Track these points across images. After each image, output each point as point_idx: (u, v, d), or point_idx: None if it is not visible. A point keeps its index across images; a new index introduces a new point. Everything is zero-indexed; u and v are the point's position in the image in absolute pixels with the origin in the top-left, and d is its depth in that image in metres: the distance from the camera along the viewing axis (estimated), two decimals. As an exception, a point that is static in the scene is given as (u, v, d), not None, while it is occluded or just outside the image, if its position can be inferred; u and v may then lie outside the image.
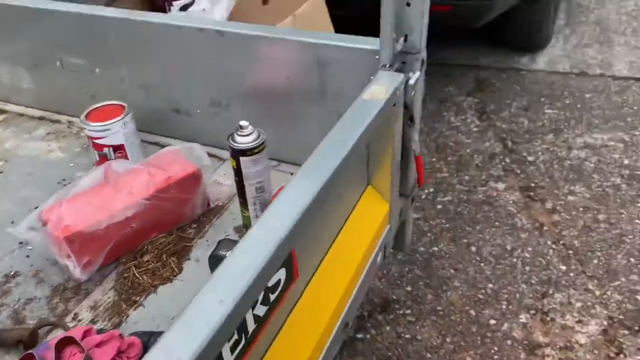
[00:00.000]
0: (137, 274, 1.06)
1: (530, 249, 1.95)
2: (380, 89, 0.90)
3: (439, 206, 2.19)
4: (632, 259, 1.87)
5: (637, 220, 2.01)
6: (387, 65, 0.97)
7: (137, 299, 1.02)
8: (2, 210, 1.27)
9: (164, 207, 1.10)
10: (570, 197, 2.14)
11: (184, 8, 1.59)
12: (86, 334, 0.89)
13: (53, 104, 1.63)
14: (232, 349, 0.64)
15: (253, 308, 0.69)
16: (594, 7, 3.48)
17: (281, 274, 0.74)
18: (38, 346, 0.90)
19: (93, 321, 0.99)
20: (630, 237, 1.95)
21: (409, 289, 1.85)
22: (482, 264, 1.91)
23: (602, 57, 2.97)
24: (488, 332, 1.68)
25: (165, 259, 1.09)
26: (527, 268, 1.88)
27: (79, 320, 1.00)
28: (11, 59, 1.60)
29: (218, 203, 1.23)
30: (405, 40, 0.99)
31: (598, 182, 2.20)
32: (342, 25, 1.80)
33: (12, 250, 1.16)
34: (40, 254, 1.13)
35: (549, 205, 2.12)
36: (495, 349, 1.62)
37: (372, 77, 0.95)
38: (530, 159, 2.36)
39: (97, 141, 1.32)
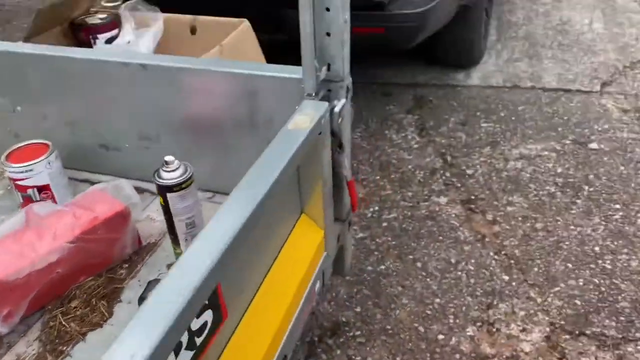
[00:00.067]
0: (63, 322, 1.01)
1: (473, 261, 1.99)
2: (305, 118, 0.90)
3: (385, 224, 2.21)
4: (569, 265, 1.93)
5: (572, 227, 2.09)
6: (312, 94, 0.98)
7: (64, 348, 0.97)
8: None
9: (91, 249, 1.06)
10: (509, 208, 2.21)
11: (109, 41, 1.55)
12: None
13: (-26, 145, 1.55)
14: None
15: (177, 354, 0.66)
16: (522, 23, 3.65)
17: (207, 316, 0.71)
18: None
19: (16, 377, 0.93)
20: (567, 243, 2.02)
21: (358, 309, 1.84)
22: (428, 279, 1.93)
23: (532, 71, 3.11)
24: (437, 348, 1.69)
25: (94, 303, 1.04)
26: (472, 280, 1.91)
27: (1, 377, 0.94)
28: None
29: (150, 240, 1.20)
30: (329, 69, 1.00)
31: (534, 191, 2.28)
32: (284, 50, 1.81)
33: None
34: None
35: (489, 216, 2.18)
36: (445, 364, 1.64)
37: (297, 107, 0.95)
38: (470, 172, 2.43)
39: (20, 182, 1.25)
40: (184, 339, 0.67)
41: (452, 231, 2.13)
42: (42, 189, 1.26)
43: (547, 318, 1.75)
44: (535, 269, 1.93)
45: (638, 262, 1.91)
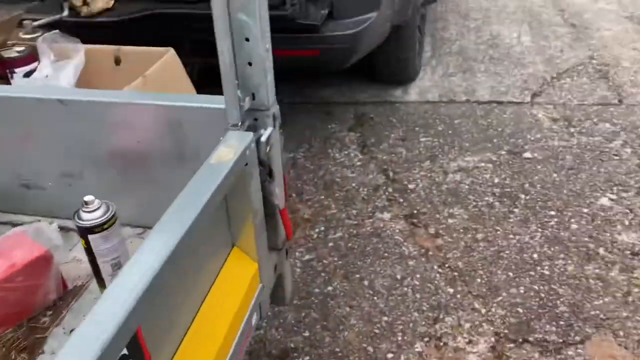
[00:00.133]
0: (-20, 380, 0.94)
1: (418, 275, 2.01)
2: (228, 150, 0.88)
3: (331, 244, 2.20)
4: (510, 273, 1.98)
5: (511, 236, 2.15)
6: (237, 125, 0.96)
7: (-19, 410, 0.90)
8: None
9: (9, 299, 0.99)
10: (450, 220, 2.25)
11: (28, 75, 1.48)
12: None
13: None
14: None
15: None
16: (455, 38, 3.78)
17: (127, 364, 0.68)
18: None
19: None
20: (507, 252, 2.07)
21: (306, 334, 1.82)
22: (375, 298, 1.93)
23: (467, 85, 3.21)
24: (386, 367, 1.69)
25: (14, 357, 0.97)
26: (418, 295, 1.93)
27: None
28: None
29: (77, 283, 1.14)
30: (254, 98, 0.98)
31: (474, 202, 2.34)
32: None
33: None
34: None
35: (432, 230, 2.22)
36: (394, 383, 1.63)
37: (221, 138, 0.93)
38: (411, 186, 2.47)
39: None
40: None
41: (396, 247, 2.15)
42: (-43, 235, 1.18)
43: (491, 328, 1.79)
44: (479, 280, 1.97)
45: (574, 266, 1.98)
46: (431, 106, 3.06)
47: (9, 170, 1.27)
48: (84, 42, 1.75)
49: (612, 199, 2.27)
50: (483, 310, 1.85)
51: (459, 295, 1.91)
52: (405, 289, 1.96)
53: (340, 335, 1.80)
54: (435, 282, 1.98)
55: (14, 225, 1.30)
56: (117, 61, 1.57)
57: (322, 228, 2.28)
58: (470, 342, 1.75)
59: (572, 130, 2.72)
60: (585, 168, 2.45)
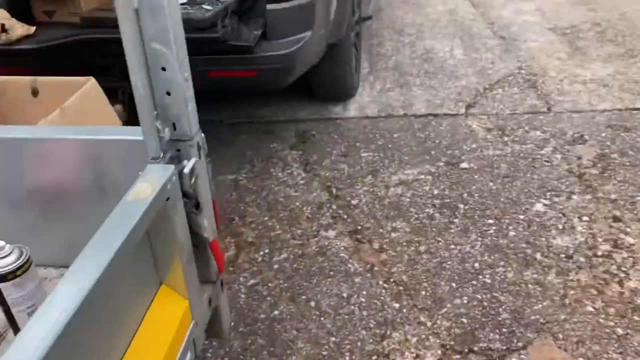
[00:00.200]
0: None
1: (364, 292, 2.01)
2: (146, 186, 0.84)
3: (276, 266, 2.17)
4: (453, 284, 2.01)
5: (452, 246, 2.18)
6: (157, 157, 0.92)
7: None
8: None
9: None
10: (393, 234, 2.27)
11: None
12: None
13: None
14: None
15: None
16: (391, 54, 3.86)
17: None
18: None
19: None
20: (449, 262, 2.11)
21: (253, 362, 1.77)
22: (322, 318, 1.91)
23: (404, 99, 3.28)
24: (336, 390, 1.67)
25: None
26: (365, 313, 1.92)
27: None
28: None
29: (-6, 333, 1.06)
30: (175, 128, 0.95)
31: (415, 215, 2.37)
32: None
33: None
34: None
35: (376, 245, 2.23)
36: (344, 406, 1.61)
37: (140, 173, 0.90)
38: (354, 202, 2.47)
39: None
40: None
41: (342, 264, 2.15)
42: None
43: (438, 341, 1.80)
44: (423, 293, 1.99)
45: (513, 273, 2.03)
46: (371, 121, 3.10)
47: None
48: (4, 71, 1.66)
49: (545, 205, 2.35)
50: (429, 323, 1.86)
51: (404, 310, 1.92)
52: (352, 307, 1.95)
53: (288, 360, 1.77)
54: (381, 297, 1.98)
55: None
56: (35, 92, 1.50)
57: (267, 250, 2.25)
58: (417, 356, 1.75)
59: (505, 139, 2.82)
60: (519, 175, 2.54)
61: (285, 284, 2.07)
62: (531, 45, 3.75)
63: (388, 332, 1.84)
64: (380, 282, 2.04)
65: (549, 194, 2.41)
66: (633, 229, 2.18)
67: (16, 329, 0.94)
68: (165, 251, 0.93)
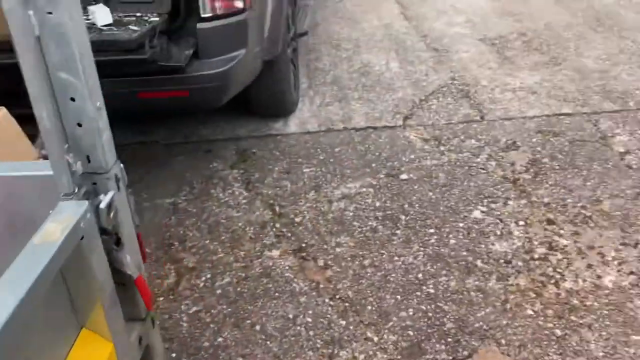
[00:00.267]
0: None
1: (311, 311, 1.98)
2: (55, 226, 0.78)
3: (219, 291, 2.10)
4: (398, 297, 2.02)
5: (396, 258, 2.19)
6: (70, 193, 0.86)
7: None
8: None
9: None
10: (338, 249, 2.26)
11: None
12: None
13: None
14: None
15: None
16: (329, 68, 3.88)
17: None
18: None
19: None
20: (394, 275, 2.11)
21: (198, 394, 1.70)
22: (268, 342, 1.87)
23: (343, 113, 3.30)
24: (284, 416, 1.62)
25: None
26: (311, 333, 1.89)
27: None
28: None
29: None
30: (89, 161, 0.89)
31: (358, 228, 2.37)
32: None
33: None
34: None
35: (320, 262, 2.20)
36: None
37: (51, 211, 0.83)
38: (298, 219, 2.45)
39: None
40: None
41: (287, 284, 2.11)
42: None
43: (385, 356, 1.79)
44: (369, 308, 1.98)
45: (455, 281, 2.06)
46: (312, 136, 3.09)
47: None
48: None
49: (483, 211, 2.41)
50: (376, 339, 1.85)
51: (351, 327, 1.91)
52: (299, 327, 1.92)
53: (234, 390, 1.71)
54: (328, 316, 1.95)
55: None
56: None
57: (209, 275, 2.18)
58: (366, 374, 1.74)
59: (442, 148, 2.88)
60: (457, 184, 2.59)
61: (229, 309, 2.01)
62: (463, 56, 3.87)
63: (335, 351, 1.82)
64: (326, 300, 2.02)
65: (486, 200, 2.47)
66: (566, 230, 2.27)
67: None
68: (83, 293, 0.87)
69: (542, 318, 1.88)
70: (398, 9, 4.97)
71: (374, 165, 2.79)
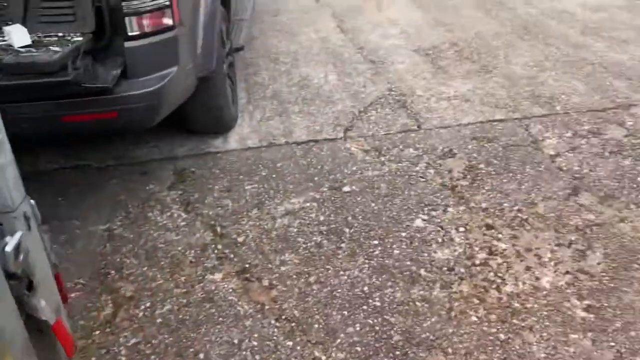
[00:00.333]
0: None
1: (256, 335, 1.92)
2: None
3: (159, 320, 2.01)
4: (345, 312, 1.99)
5: (341, 272, 2.17)
6: (-30, 236, 0.78)
7: None
8: None
9: None
10: (282, 268, 2.21)
11: None
12: None
13: None
14: None
15: None
16: (268, 83, 3.85)
17: None
18: None
19: None
20: (340, 290, 2.09)
21: None
22: (213, 371, 1.79)
23: (284, 127, 3.27)
24: None
25: None
26: (257, 357, 1.84)
27: None
28: None
29: None
30: (-7, 198, 0.81)
31: (303, 244, 2.33)
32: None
33: None
34: None
35: (265, 282, 2.15)
36: None
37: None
38: (240, 239, 2.39)
39: None
40: None
41: (231, 308, 2.04)
42: None
43: (334, 375, 1.76)
44: (316, 326, 1.94)
45: (401, 292, 2.06)
46: (253, 152, 3.04)
47: None
48: None
49: (424, 220, 2.44)
50: (324, 358, 1.82)
51: (298, 347, 1.86)
52: (244, 352, 1.86)
53: None
54: (274, 338, 1.90)
55: None
56: None
57: (148, 304, 2.08)
58: (315, 395, 1.70)
59: (382, 159, 2.90)
60: (398, 193, 2.62)
61: (171, 338, 1.93)
62: (398, 67, 3.94)
63: (283, 374, 1.77)
64: (272, 321, 1.97)
65: (426, 208, 2.50)
66: (504, 234, 2.32)
67: None
68: (-9, 346, 0.79)
69: (486, 323, 1.90)
70: (334, 22, 5.02)
71: (316, 179, 2.77)
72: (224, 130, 3.20)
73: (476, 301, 2.00)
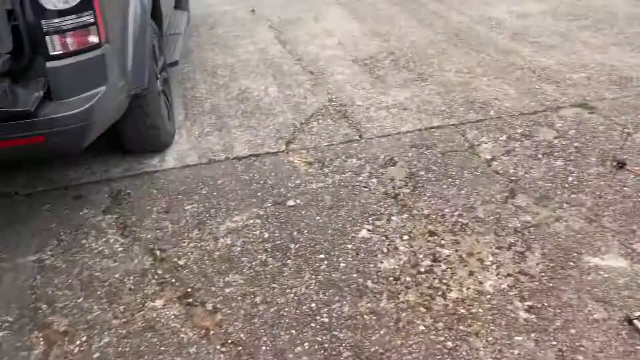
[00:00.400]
0: None
1: (202, 363, 1.84)
2: None
3: (97, 354, 1.90)
4: (293, 332, 1.95)
5: (288, 291, 2.13)
6: None
7: None
8: None
9: None
10: (227, 290, 2.15)
11: None
12: None
13: None
14: None
15: None
16: (206, 97, 3.77)
17: None
18: None
19: None
20: (287, 309, 2.04)
21: None
22: (157, 406, 1.70)
23: (224, 142, 3.20)
24: None
25: None
26: (204, 386, 1.76)
27: None
28: None
29: None
30: None
31: (248, 264, 2.27)
32: None
33: None
34: None
35: (209, 306, 2.08)
36: None
37: None
38: (182, 263, 2.30)
39: None
40: None
41: (174, 336, 1.96)
42: None
43: (284, 398, 1.71)
44: (264, 348, 1.89)
45: (349, 306, 2.04)
46: (192, 170, 2.96)
47: None
48: None
49: (369, 230, 2.44)
50: (273, 381, 1.77)
51: (246, 372, 1.80)
52: (190, 383, 1.77)
53: None
54: (221, 364, 1.83)
55: None
56: None
57: (85, 338, 1.96)
58: (265, 422, 1.64)
59: (326, 170, 2.89)
60: (343, 205, 2.61)
61: (110, 374, 1.82)
62: (338, 78, 3.96)
63: (232, 402, 1.70)
64: (218, 347, 1.90)
65: (371, 219, 2.51)
66: (447, 240, 2.35)
67: None
68: None
69: (433, 332, 1.91)
70: (272, 33, 5.00)
71: (259, 194, 2.72)
72: (161, 149, 3.09)
73: (423, 310, 2.01)
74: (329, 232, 2.44)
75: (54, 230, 2.52)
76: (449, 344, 1.86)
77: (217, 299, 2.10)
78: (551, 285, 2.09)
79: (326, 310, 2.03)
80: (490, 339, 1.87)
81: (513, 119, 3.32)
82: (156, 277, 2.23)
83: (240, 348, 1.89)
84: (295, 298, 2.09)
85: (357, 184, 2.77)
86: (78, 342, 1.95)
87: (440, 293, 2.08)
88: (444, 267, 2.21)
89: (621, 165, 2.77)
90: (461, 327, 1.92)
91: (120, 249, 2.40)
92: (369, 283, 2.14)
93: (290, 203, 2.65)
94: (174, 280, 2.21)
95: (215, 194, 2.75)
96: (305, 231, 2.45)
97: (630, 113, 3.31)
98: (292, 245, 2.37)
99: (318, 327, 1.96)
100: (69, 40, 2.06)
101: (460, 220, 2.47)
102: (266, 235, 2.44)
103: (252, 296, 2.11)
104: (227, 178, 2.87)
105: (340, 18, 5.32)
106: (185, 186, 2.82)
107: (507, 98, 3.57)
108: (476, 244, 2.32)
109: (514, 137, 3.12)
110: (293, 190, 2.74)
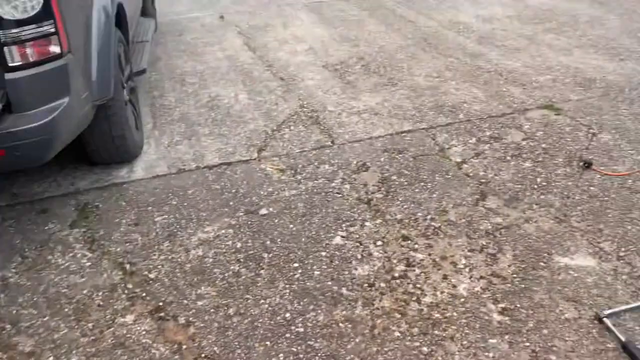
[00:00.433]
0: None
1: (175, 379, 1.80)
2: None
3: (65, 375, 1.83)
4: (268, 343, 1.92)
5: (262, 301, 2.10)
6: None
7: None
8: None
9: None
10: (199, 302, 2.10)
11: None
12: None
13: None
14: None
15: None
16: (175, 105, 3.71)
17: None
18: None
19: None
20: (261, 320, 2.01)
21: None
22: None
23: (194, 151, 3.15)
24: None
25: None
26: (177, 403, 1.72)
27: None
28: None
29: None
30: None
31: (220, 275, 2.24)
32: None
33: None
34: None
35: (182, 319, 2.03)
36: None
37: None
38: (152, 276, 2.25)
39: None
40: None
41: (145, 352, 1.91)
42: None
43: (259, 412, 1.68)
44: (239, 361, 1.86)
45: (323, 315, 2.02)
46: (161, 180, 2.90)
47: None
48: None
49: (343, 236, 2.42)
50: (248, 395, 1.74)
51: (221, 387, 1.77)
52: (162, 400, 1.73)
53: None
54: (193, 379, 1.79)
55: None
56: None
57: (51, 358, 1.90)
58: None
59: (298, 177, 2.87)
60: (316, 212, 2.59)
61: (79, 395, 1.76)
62: (308, 84, 3.95)
63: (206, 419, 1.66)
64: (191, 362, 1.86)
65: (344, 225, 2.50)
66: (420, 244, 2.36)
67: None
68: None
69: (409, 338, 1.91)
70: (241, 39, 4.96)
71: (231, 203, 2.68)
72: (129, 159, 3.03)
73: (398, 316, 2.00)
74: (303, 239, 2.42)
75: (17, 246, 2.44)
76: (425, 349, 1.86)
77: (189, 312, 2.06)
78: (523, 286, 2.11)
79: (301, 319, 2.01)
80: (464, 342, 1.88)
81: (482, 121, 3.36)
82: (126, 291, 2.17)
83: (214, 362, 1.85)
84: (269, 308, 2.06)
85: (330, 190, 2.75)
86: (44, 363, 1.88)
87: (414, 298, 2.08)
88: (417, 271, 2.21)
89: (587, 165, 2.83)
90: (436, 332, 1.92)
91: (88, 264, 2.33)
92: (344, 290, 2.13)
93: (263, 211, 2.62)
94: (144, 294, 2.15)
95: (185, 204, 2.70)
96: (278, 240, 2.43)
97: (595, 113, 3.39)
98: (265, 255, 2.34)
99: (293, 337, 1.94)
100: (29, 50, 2.00)
101: (432, 223, 2.48)
102: (238, 245, 2.40)
103: (225, 308, 2.07)
104: (198, 187, 2.82)
105: (309, 24, 5.32)
106: (155, 197, 2.76)
107: (475, 101, 3.61)
108: (449, 247, 2.33)
109: (483, 140, 3.15)
110: (265, 198, 2.72)
